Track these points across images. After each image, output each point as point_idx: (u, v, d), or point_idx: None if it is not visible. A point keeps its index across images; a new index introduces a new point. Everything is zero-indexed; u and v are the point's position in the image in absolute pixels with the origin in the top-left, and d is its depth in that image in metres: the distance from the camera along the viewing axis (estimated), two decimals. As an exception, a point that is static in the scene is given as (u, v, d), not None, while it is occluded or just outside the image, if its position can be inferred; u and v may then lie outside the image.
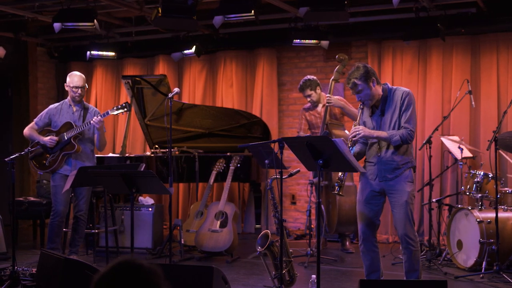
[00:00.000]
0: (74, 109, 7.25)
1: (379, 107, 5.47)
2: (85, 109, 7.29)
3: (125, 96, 10.57)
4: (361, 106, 5.52)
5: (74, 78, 7.21)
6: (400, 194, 5.40)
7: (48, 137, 7.09)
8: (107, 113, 7.09)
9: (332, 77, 7.96)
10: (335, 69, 7.95)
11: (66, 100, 7.35)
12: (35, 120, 7.33)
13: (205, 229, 7.71)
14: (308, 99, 8.18)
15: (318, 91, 8.15)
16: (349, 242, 8.43)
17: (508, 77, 8.70)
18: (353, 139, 5.38)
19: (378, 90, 5.44)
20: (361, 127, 5.41)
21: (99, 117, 7.00)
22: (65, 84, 7.30)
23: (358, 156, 5.62)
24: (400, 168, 5.41)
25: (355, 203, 7.89)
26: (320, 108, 8.17)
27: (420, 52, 9.18)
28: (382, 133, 5.37)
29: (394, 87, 5.53)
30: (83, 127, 7.07)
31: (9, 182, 6.28)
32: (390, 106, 5.43)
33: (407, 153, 5.44)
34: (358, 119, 5.52)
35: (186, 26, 8.00)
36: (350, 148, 5.38)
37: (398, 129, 5.36)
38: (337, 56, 7.99)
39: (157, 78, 8.97)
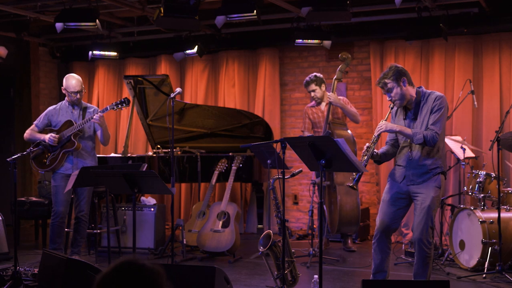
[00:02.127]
0: (73, 109, 7.25)
1: (412, 110, 5.46)
2: (84, 108, 7.29)
3: (127, 96, 10.56)
4: (391, 106, 5.49)
5: (72, 82, 7.17)
6: (424, 198, 5.37)
7: (49, 134, 7.09)
8: (106, 109, 7.09)
9: (335, 76, 7.96)
10: (338, 68, 7.95)
11: (64, 101, 7.35)
12: (34, 122, 7.32)
13: (207, 229, 7.71)
14: (312, 94, 8.17)
15: (323, 88, 8.14)
16: (351, 241, 8.43)
17: (511, 77, 8.69)
18: (375, 134, 5.37)
19: (410, 91, 5.41)
20: (383, 122, 5.39)
21: (99, 113, 7.00)
22: (62, 87, 7.28)
23: (385, 157, 5.63)
24: (429, 172, 5.39)
25: (356, 204, 7.98)
26: (323, 106, 8.17)
27: (423, 52, 9.18)
28: (406, 129, 5.35)
29: (429, 91, 5.49)
30: (83, 125, 7.07)
31: (11, 182, 6.27)
32: (423, 110, 5.40)
33: (437, 156, 5.41)
34: (386, 118, 5.48)
35: (188, 26, 7.99)
36: (373, 144, 5.38)
37: None
38: (340, 55, 7.98)
39: (159, 78, 8.97)
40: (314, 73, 8.20)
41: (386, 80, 5.37)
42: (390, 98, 5.45)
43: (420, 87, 5.52)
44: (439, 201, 5.53)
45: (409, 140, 5.43)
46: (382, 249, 5.58)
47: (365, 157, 5.39)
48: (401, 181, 5.50)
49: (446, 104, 5.39)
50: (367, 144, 5.43)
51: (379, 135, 5.42)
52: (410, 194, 5.49)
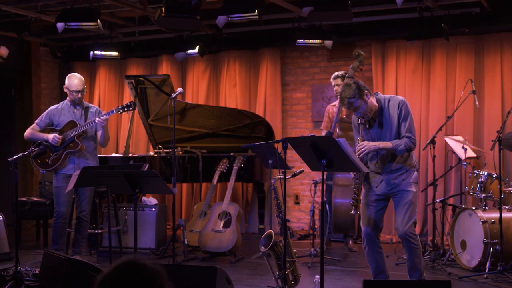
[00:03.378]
0: (75, 109, 7.24)
1: (376, 119, 5.51)
2: (86, 108, 7.28)
3: (128, 96, 10.57)
4: (362, 122, 5.52)
5: (74, 81, 7.17)
6: (405, 194, 5.48)
7: (52, 134, 7.07)
8: (112, 112, 7.09)
9: (347, 74, 7.99)
10: (351, 66, 7.99)
11: (66, 100, 7.34)
12: (35, 121, 7.29)
13: (208, 229, 7.71)
14: (335, 88, 8.31)
15: None
16: (352, 241, 8.44)
17: (512, 77, 8.70)
18: (360, 156, 5.40)
19: (373, 101, 5.45)
20: (365, 142, 5.43)
21: (104, 116, 6.99)
22: (64, 86, 7.27)
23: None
24: (405, 172, 5.51)
25: (350, 206, 7.96)
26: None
27: (424, 52, 9.17)
28: (387, 144, 5.40)
29: (387, 96, 5.57)
30: (87, 126, 7.06)
31: (12, 182, 6.27)
32: (387, 117, 5.47)
33: (409, 158, 5.53)
34: (360, 134, 5.53)
35: (190, 26, 7.99)
36: None
37: (398, 138, 5.42)
38: (353, 52, 8.01)
39: (161, 78, 8.98)
40: (344, 71, 8.29)
41: (350, 100, 5.36)
42: (359, 115, 5.48)
43: (376, 93, 5.57)
44: (417, 197, 5.66)
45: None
46: (374, 250, 5.65)
47: (357, 181, 5.54)
48: (377, 186, 5.60)
49: (409, 107, 5.49)
50: None
51: (363, 157, 5.48)
52: (388, 194, 5.59)
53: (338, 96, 8.23)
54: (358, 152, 5.38)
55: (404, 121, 5.41)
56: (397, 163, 5.49)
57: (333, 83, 8.35)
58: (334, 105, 8.38)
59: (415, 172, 5.56)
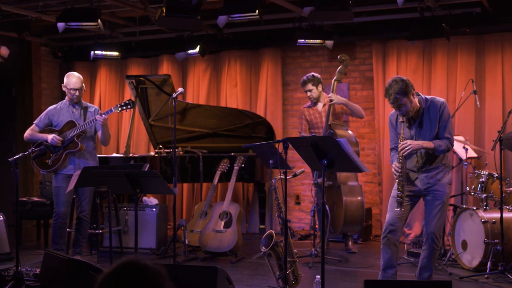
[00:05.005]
0: (74, 109, 7.23)
1: (416, 119, 5.62)
2: (85, 108, 7.27)
3: (129, 96, 10.55)
4: (402, 120, 5.58)
5: (72, 79, 7.16)
6: (440, 195, 5.61)
7: (52, 135, 7.06)
8: (110, 110, 7.07)
9: (334, 78, 7.98)
10: (337, 70, 7.98)
11: (64, 100, 7.33)
12: (35, 122, 7.28)
13: (209, 229, 7.70)
14: (308, 94, 8.18)
15: (320, 88, 8.16)
16: (352, 242, 8.41)
17: (513, 77, 8.69)
18: (404, 154, 5.50)
19: (416, 102, 5.57)
20: (409, 141, 5.53)
21: (103, 115, 6.98)
22: (62, 84, 7.27)
23: None
24: (441, 172, 5.63)
25: (361, 203, 7.99)
26: (320, 107, 8.17)
27: (425, 52, 9.16)
28: (430, 144, 5.52)
29: (429, 97, 5.67)
30: (86, 126, 7.05)
31: (13, 182, 6.27)
32: (427, 118, 5.60)
33: (444, 157, 5.67)
34: (402, 133, 5.58)
35: (190, 26, 7.99)
36: (403, 163, 5.53)
37: (436, 139, 5.53)
38: (339, 57, 8.01)
39: (161, 78, 8.97)
40: (312, 73, 8.23)
41: (398, 96, 5.46)
42: (401, 112, 5.56)
43: (418, 94, 5.66)
44: (449, 198, 5.81)
45: None
46: (392, 243, 5.71)
47: (401, 178, 5.55)
48: (411, 182, 5.68)
49: (449, 109, 5.64)
50: (397, 166, 5.56)
51: (406, 156, 5.58)
52: (421, 193, 5.69)
53: (313, 102, 8.20)
54: (402, 150, 5.48)
55: (445, 122, 5.54)
56: (433, 160, 5.61)
57: (304, 89, 8.25)
58: (310, 107, 8.30)
59: (450, 173, 5.69)
